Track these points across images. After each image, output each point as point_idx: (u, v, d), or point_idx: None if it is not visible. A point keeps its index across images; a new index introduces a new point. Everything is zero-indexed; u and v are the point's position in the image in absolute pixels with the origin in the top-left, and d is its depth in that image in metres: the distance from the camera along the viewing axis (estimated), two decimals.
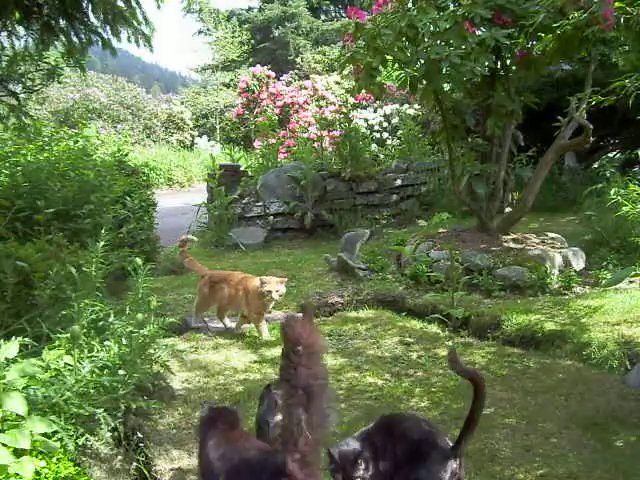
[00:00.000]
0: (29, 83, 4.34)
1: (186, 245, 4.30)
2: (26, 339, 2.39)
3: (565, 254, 4.98)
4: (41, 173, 3.77)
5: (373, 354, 3.68)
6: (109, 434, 2.31)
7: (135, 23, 4.05)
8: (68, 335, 2.39)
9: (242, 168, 8.34)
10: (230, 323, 4.21)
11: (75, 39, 4.04)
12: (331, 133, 9.47)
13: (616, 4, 3.61)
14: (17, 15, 3.85)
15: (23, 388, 2.02)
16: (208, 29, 23.16)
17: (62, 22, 3.99)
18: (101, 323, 2.74)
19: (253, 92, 14.86)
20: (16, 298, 2.73)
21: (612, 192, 4.90)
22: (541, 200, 6.78)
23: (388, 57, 4.71)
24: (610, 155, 8.90)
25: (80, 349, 2.43)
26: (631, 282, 4.44)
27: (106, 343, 2.59)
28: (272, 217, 7.38)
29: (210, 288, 4.09)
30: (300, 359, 1.48)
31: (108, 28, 4.01)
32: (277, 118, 12.37)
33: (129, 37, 4.09)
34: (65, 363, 2.36)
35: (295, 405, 1.49)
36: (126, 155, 5.66)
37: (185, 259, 4.29)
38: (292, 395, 1.49)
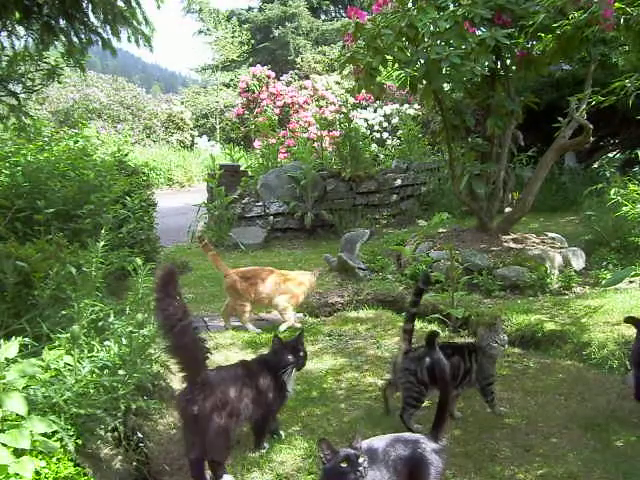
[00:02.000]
0: (29, 83, 4.33)
1: (204, 240, 4.29)
2: (26, 339, 2.39)
3: (565, 254, 4.98)
4: (41, 173, 3.76)
5: (373, 354, 3.68)
6: (109, 434, 2.31)
7: (135, 23, 4.04)
8: (68, 335, 2.39)
9: (242, 168, 8.35)
10: (233, 323, 4.20)
11: (75, 39, 4.03)
12: (331, 133, 9.48)
13: (616, 4, 3.62)
14: (17, 15, 3.84)
15: (23, 388, 2.02)
16: (208, 29, 23.19)
17: (62, 22, 3.98)
18: (101, 323, 2.73)
19: (253, 92, 14.85)
20: (16, 298, 2.73)
21: (612, 192, 4.90)
22: (541, 200, 6.79)
23: (388, 57, 4.71)
24: (610, 155, 8.91)
25: (80, 349, 2.43)
26: (631, 282, 4.44)
27: (106, 343, 2.58)
28: (272, 217, 7.38)
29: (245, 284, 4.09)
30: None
31: (108, 28, 4.01)
32: (277, 118, 12.38)
33: (129, 37, 4.08)
34: (65, 363, 2.35)
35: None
36: (126, 155, 5.65)
37: (208, 252, 4.25)
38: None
